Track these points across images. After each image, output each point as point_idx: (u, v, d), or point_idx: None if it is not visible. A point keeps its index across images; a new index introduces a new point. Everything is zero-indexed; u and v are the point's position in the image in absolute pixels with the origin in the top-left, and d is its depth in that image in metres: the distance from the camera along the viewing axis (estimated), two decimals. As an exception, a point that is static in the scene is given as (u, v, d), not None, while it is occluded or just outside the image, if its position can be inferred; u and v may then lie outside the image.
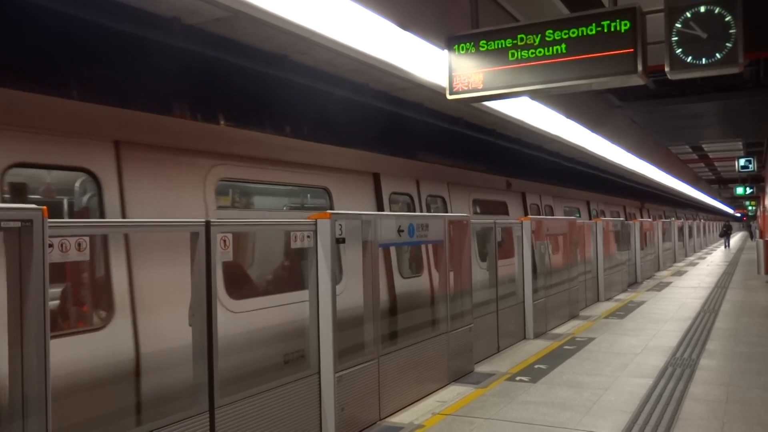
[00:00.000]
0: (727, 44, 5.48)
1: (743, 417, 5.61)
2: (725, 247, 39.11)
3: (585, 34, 5.79)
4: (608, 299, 14.24)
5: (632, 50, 5.61)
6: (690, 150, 25.66)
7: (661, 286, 16.97)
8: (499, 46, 6.14)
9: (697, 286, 16.86)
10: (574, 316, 11.56)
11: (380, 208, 7.95)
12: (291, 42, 5.27)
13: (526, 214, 13.27)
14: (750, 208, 60.17)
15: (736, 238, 56.06)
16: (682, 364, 7.59)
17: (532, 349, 8.76)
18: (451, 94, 6.39)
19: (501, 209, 12.53)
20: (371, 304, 5.75)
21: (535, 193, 14.36)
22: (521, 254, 9.59)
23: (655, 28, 5.76)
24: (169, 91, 5.26)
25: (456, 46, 6.34)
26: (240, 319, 5.39)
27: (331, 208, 6.98)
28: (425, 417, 5.77)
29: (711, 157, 28.37)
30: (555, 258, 11.15)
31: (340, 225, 5.27)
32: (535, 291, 9.65)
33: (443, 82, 6.47)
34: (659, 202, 32.96)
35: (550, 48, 5.93)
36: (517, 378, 7.11)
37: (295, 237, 5.06)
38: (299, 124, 6.69)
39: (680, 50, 5.63)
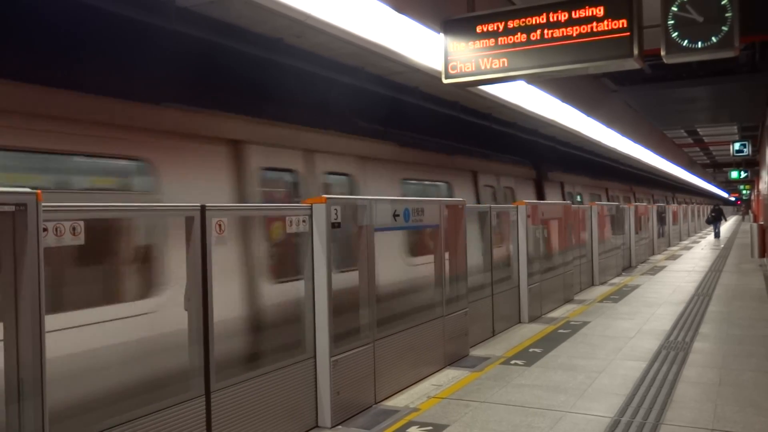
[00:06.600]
0: (723, 28, 5.47)
1: (736, 399, 5.66)
2: (715, 236, 31.67)
3: (581, 17, 5.77)
4: (603, 283, 14.30)
5: (628, 34, 5.58)
6: (685, 134, 25.68)
7: (655, 270, 17.04)
8: (495, 30, 6.12)
9: (691, 269, 16.93)
10: (568, 300, 11.60)
11: None
12: (286, 25, 5.24)
13: None
14: (744, 192, 60.33)
15: (727, 225, 47.13)
16: (675, 348, 7.65)
17: (527, 332, 8.80)
18: (447, 78, 6.36)
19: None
20: (367, 289, 5.77)
21: (422, 164, 9.84)
22: (516, 239, 9.61)
23: (651, 12, 5.73)
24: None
25: (452, 29, 6.30)
26: None
27: None
28: (421, 400, 5.81)
29: (706, 141, 28.40)
30: (550, 242, 11.15)
31: (336, 209, 5.28)
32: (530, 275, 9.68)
33: (439, 66, 6.43)
34: (649, 185, 32.91)
35: (547, 32, 5.90)
36: (512, 361, 7.15)
37: (291, 222, 5.06)
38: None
39: (676, 34, 5.62)
